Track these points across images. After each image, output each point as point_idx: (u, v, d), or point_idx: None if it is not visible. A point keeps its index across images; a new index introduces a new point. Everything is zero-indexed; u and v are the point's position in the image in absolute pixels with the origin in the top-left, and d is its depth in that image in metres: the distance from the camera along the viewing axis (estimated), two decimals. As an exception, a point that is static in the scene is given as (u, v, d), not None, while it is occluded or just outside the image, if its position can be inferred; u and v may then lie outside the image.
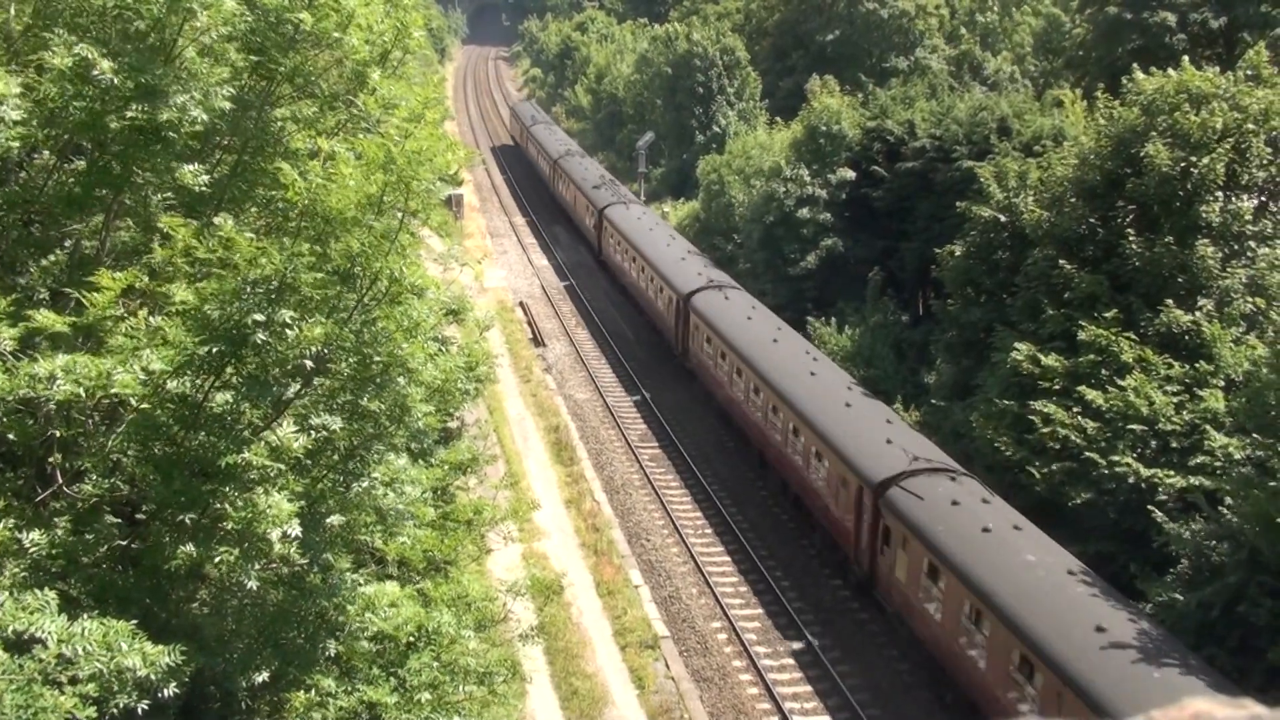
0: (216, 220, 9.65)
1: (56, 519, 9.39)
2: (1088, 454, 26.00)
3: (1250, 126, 28.75)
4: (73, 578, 9.13)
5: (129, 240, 10.44)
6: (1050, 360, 28.41)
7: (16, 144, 8.92)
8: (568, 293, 60.65)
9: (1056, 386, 28.02)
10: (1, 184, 9.95)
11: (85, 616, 7.81)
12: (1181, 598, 22.65)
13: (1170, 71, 30.64)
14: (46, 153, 10.21)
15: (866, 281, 45.61)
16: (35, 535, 8.79)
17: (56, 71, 8.83)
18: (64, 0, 9.87)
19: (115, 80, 8.96)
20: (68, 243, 10.48)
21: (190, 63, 9.62)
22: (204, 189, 10.03)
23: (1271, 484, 21.07)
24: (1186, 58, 33.44)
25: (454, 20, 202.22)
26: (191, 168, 9.86)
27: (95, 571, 9.42)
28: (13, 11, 9.68)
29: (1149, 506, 24.42)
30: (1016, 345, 29.39)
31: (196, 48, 9.69)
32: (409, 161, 9.46)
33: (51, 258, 10.20)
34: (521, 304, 57.32)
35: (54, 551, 8.97)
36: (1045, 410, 27.19)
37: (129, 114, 9.10)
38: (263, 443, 9.17)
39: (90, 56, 8.82)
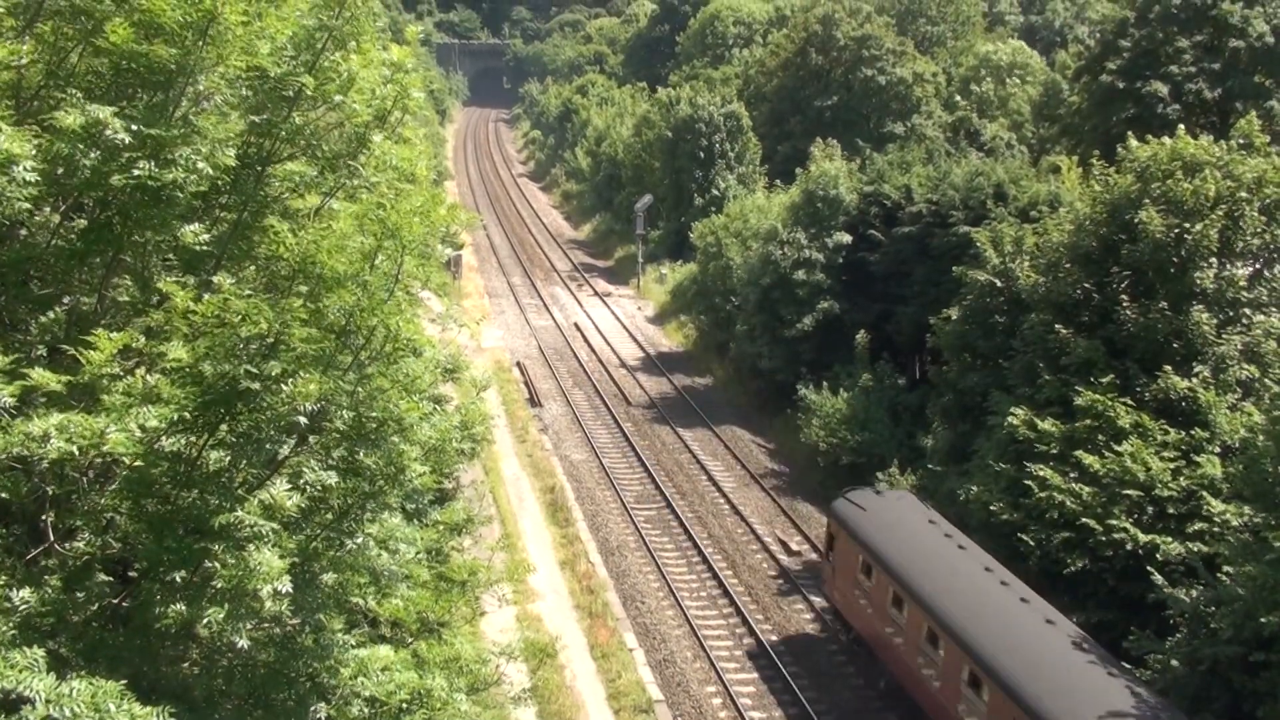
0: (215, 279, 9.70)
1: (47, 577, 9.34)
2: (1084, 520, 25.93)
3: (1243, 194, 28.96)
4: (62, 636, 9.07)
5: (128, 298, 10.46)
6: (1047, 425, 28.41)
7: (29, 205, 8.98)
8: (564, 354, 60.74)
9: (1053, 451, 27.98)
10: (3, 241, 10.00)
11: (74, 675, 7.74)
12: (1178, 664, 22.54)
13: (1164, 139, 30.94)
14: (48, 209, 10.27)
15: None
16: (25, 593, 8.74)
17: (68, 131, 8.91)
18: (78, 62, 9.97)
19: (126, 139, 9.04)
20: (66, 299, 10.51)
21: (198, 119, 9.70)
22: (204, 248, 10.08)
23: (1269, 556, 21.02)
24: (1181, 126, 33.77)
25: (455, 82, 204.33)
26: (193, 228, 9.92)
27: (85, 630, 9.36)
28: (26, 63, 9.76)
29: (1148, 569, 24.35)
30: (1013, 410, 29.39)
31: (197, 110, 9.77)
32: (403, 221, 9.51)
33: (50, 314, 10.22)
34: (519, 364, 57.41)
35: (44, 609, 8.91)
36: (1041, 474, 27.14)
37: (136, 172, 9.16)
38: (256, 501, 9.15)
39: (102, 116, 8.90)
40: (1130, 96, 49.56)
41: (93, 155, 9.05)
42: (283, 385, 9.00)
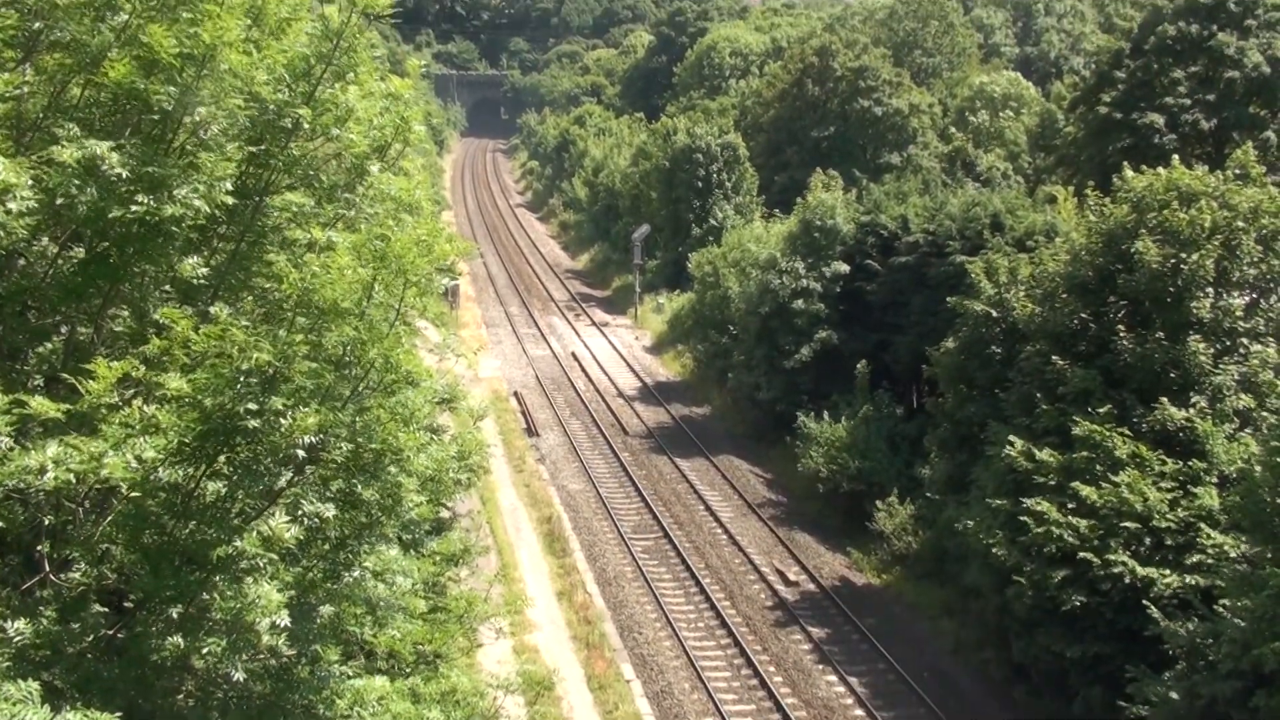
0: (212, 310, 9.70)
1: (42, 608, 9.29)
2: (1082, 554, 25.79)
3: (1239, 224, 29.00)
4: (57, 667, 9.02)
5: (125, 330, 10.46)
6: (1044, 455, 28.32)
7: (26, 234, 8.99)
8: (562, 384, 60.69)
9: (1051, 482, 27.87)
10: (1, 272, 10.00)
11: (69, 708, 7.70)
12: (1177, 696, 22.42)
13: (1160, 170, 31.02)
14: (46, 239, 10.27)
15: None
16: (20, 624, 8.70)
17: (66, 165, 8.93)
18: (75, 95, 10.00)
19: (123, 174, 9.05)
20: (63, 330, 10.50)
21: (194, 155, 9.72)
22: (201, 281, 10.08)
23: (1267, 592, 20.94)
24: (1176, 157, 33.85)
25: (453, 113, 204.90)
26: (191, 261, 9.92)
27: (80, 661, 9.30)
28: (26, 94, 9.79)
29: (1144, 602, 24.23)
30: (1010, 440, 29.30)
31: (194, 142, 9.79)
32: (403, 251, 9.53)
33: (48, 345, 10.22)
34: (516, 394, 57.36)
35: (39, 641, 8.87)
36: (1039, 508, 26.98)
37: (135, 207, 9.17)
38: (254, 532, 9.11)
39: (99, 152, 8.91)
40: (1126, 127, 49.75)
41: (89, 190, 9.06)
42: (282, 419, 8.99)
